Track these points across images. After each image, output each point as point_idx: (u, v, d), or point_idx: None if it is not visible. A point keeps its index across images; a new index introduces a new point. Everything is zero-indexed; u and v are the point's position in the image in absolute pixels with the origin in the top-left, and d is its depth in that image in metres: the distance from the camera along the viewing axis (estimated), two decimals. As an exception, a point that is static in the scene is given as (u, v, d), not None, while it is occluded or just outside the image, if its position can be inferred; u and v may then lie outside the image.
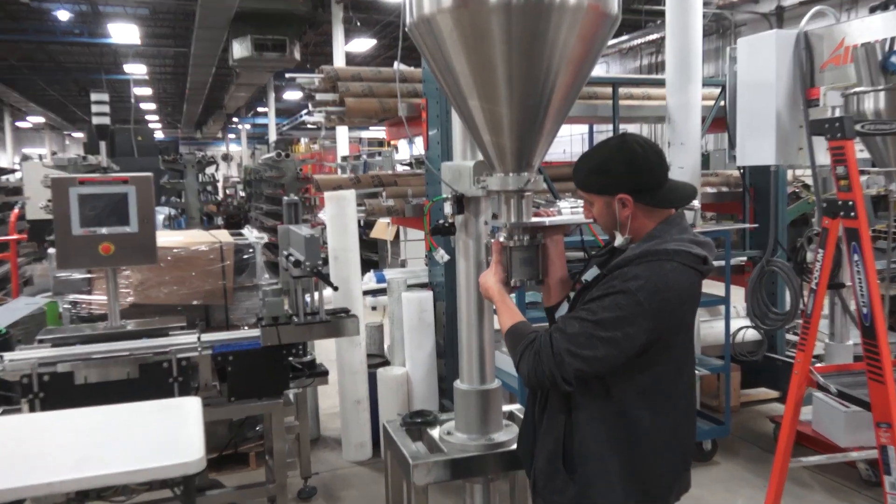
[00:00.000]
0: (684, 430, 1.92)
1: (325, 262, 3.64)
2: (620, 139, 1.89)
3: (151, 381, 3.10)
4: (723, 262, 4.41)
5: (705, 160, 11.49)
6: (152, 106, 30.41)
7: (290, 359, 3.39)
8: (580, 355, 1.78)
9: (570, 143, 24.40)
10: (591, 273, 2.01)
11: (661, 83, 4.77)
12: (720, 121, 4.82)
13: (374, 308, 5.61)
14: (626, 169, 1.85)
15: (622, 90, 5.30)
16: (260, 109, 30.86)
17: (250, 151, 31.09)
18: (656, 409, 1.85)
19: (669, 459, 1.88)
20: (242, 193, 18.94)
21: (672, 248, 1.82)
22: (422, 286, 4.89)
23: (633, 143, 1.87)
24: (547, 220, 2.17)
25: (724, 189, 5.75)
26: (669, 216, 1.90)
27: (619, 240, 1.92)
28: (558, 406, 1.92)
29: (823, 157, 3.79)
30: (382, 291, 5.05)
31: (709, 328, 5.05)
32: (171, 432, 2.24)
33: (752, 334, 5.00)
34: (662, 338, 1.81)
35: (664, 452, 1.86)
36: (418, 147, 3.85)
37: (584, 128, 23.55)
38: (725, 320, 4.45)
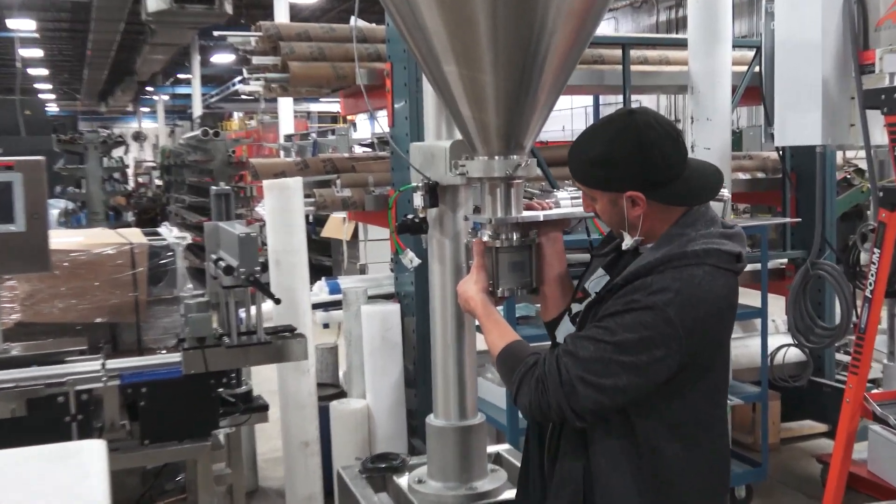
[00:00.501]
0: (722, 468, 1.95)
1: (265, 267, 3.61)
2: (627, 118, 1.89)
3: (43, 420, 3.05)
4: (758, 265, 4.46)
5: (737, 139, 11.64)
6: (44, 72, 30.06)
7: (221, 390, 3.36)
8: (597, 385, 1.79)
9: (570, 118, 24.56)
10: (598, 282, 2.02)
11: (682, 44, 4.81)
12: (754, 91, 4.88)
13: (326, 326, 5.58)
14: (636, 159, 1.85)
15: (634, 53, 5.34)
16: (181, 76, 30.67)
17: (169, 129, 30.91)
18: (691, 444, 1.87)
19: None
20: (159, 182, 18.78)
21: (700, 248, 1.84)
22: (386, 297, 4.88)
23: (642, 123, 1.87)
24: (542, 214, 2.17)
25: (760, 175, 5.83)
26: (692, 210, 1.92)
27: (627, 241, 1.94)
28: (572, 451, 1.93)
29: (880, 136, 3.84)
30: (337, 304, 5.02)
31: (741, 347, 5.11)
32: (67, 485, 2.20)
33: (794, 354, 5.06)
34: (698, 360, 1.83)
35: (702, 496, 1.89)
36: (382, 124, 3.84)
37: (588, 99, 23.57)
38: (762, 337, 4.50)
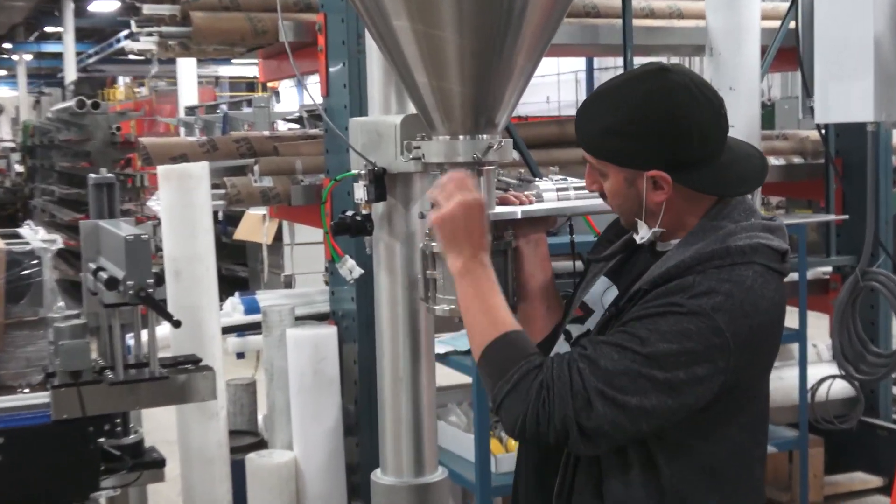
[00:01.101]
0: None
1: (161, 280, 3.58)
2: (658, 77, 1.90)
3: None
4: (795, 275, 4.53)
5: (768, 115, 11.80)
6: None
7: (102, 441, 3.33)
8: (619, 402, 1.79)
9: (556, 86, 24.76)
10: (604, 293, 2.05)
11: (697, -7, 4.87)
12: (789, 53, 4.94)
13: (240, 356, 5.55)
14: (667, 131, 1.88)
15: (637, 3, 5.40)
16: (49, 30, 30.29)
17: (33, 99, 30.47)
18: (727, 493, 1.90)
19: None
20: (20, 168, 18.53)
21: (746, 243, 1.87)
22: (319, 318, 4.86)
23: (678, 85, 1.89)
24: (520, 210, 2.19)
25: (797, 160, 5.91)
26: (724, 199, 1.96)
27: (643, 232, 1.97)
28: (586, 495, 1.94)
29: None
30: (255, 327, 4.99)
31: (775, 380, 5.11)
32: None
33: (841, 388, 5.13)
34: (743, 384, 1.87)
35: None
36: (313, 93, 3.83)
37: (580, 62, 23.83)
38: (800, 367, 4.56)
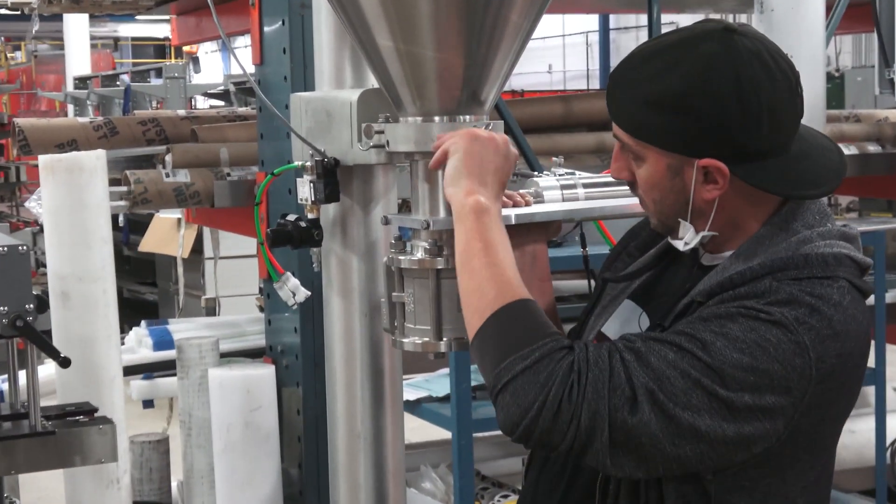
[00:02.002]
0: None
1: (44, 304, 3.57)
2: (724, 37, 1.92)
3: None
4: (871, 298, 4.54)
5: (835, 89, 11.88)
6: None
7: (-35, 516, 3.30)
8: (669, 412, 1.78)
9: (561, 52, 24.88)
10: (632, 319, 2.07)
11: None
12: (863, 10, 4.98)
13: (148, 404, 5.52)
14: (731, 109, 1.89)
15: (665, -55, 5.42)
16: None
17: None
18: None
19: None
20: None
21: (828, 251, 1.90)
22: (252, 355, 4.84)
23: (747, 52, 1.91)
24: (513, 214, 2.20)
25: (873, 148, 5.94)
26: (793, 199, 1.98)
27: (688, 236, 1.99)
28: None
29: None
30: (168, 367, 4.98)
31: (845, 433, 5.17)
32: None
33: (929, 445, 5.16)
34: (811, 431, 1.89)
35: None
36: (243, 60, 3.83)
37: (591, 22, 23.87)
38: (877, 417, 4.58)
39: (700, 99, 1.88)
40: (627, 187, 2.11)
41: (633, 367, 1.80)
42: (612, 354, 1.81)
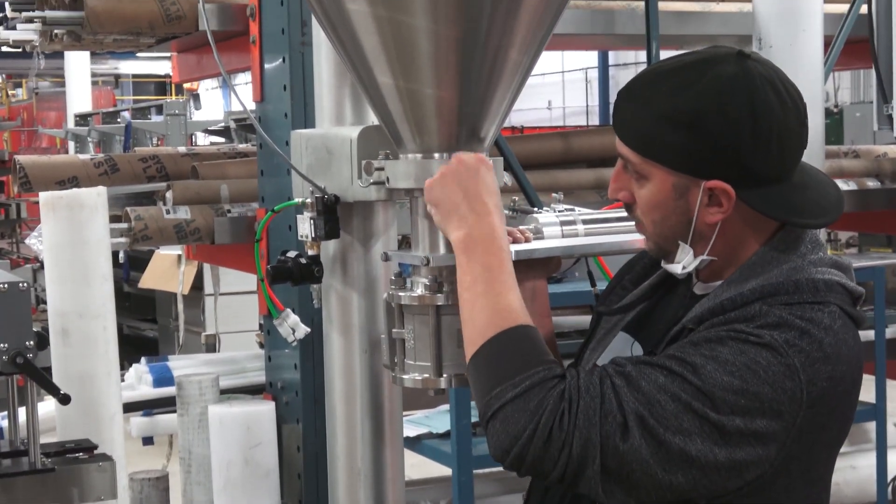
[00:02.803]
0: None
1: (44, 340, 3.56)
2: (738, 61, 1.93)
3: None
4: (871, 333, 4.53)
5: (833, 124, 11.89)
6: None
7: (-36, 554, 3.30)
8: (660, 437, 1.78)
9: (560, 88, 24.92)
10: (625, 350, 2.06)
11: (741, -32, 4.92)
12: (860, 46, 4.99)
13: (148, 441, 5.51)
14: (744, 130, 1.90)
15: (665, -18, 5.45)
16: None
17: None
18: None
19: None
20: None
21: (819, 277, 1.90)
22: (252, 392, 4.83)
23: (760, 76, 1.93)
24: (514, 250, 2.19)
25: (872, 183, 5.94)
26: (788, 228, 1.99)
27: (686, 260, 1.99)
28: None
29: None
30: (167, 403, 4.97)
31: (845, 469, 5.16)
32: None
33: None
34: (803, 459, 1.88)
35: None
36: (244, 98, 3.84)
37: (591, 58, 23.92)
38: (878, 452, 4.56)
39: (715, 119, 1.89)
40: (627, 223, 2.11)
41: (624, 393, 1.80)
42: (604, 380, 1.81)
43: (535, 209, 2.39)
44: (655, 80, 1.98)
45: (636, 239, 2.12)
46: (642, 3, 4.88)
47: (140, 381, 5.24)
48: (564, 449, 1.78)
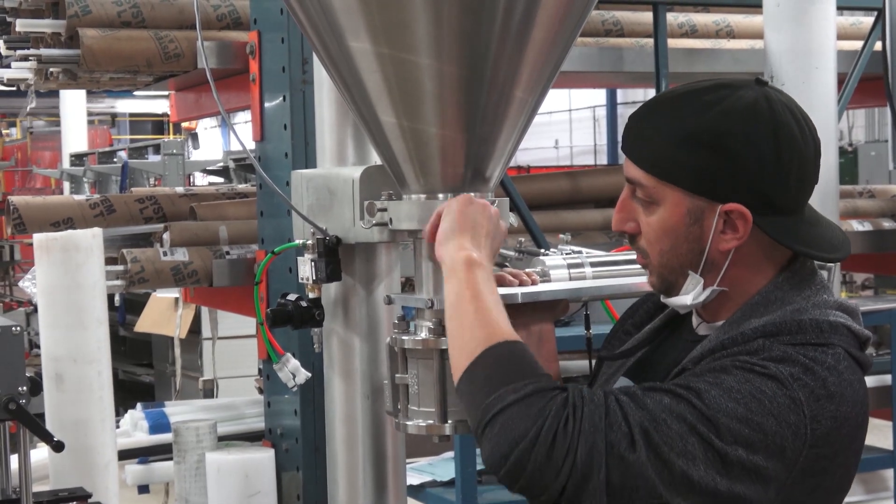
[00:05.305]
0: None
1: (37, 386, 3.56)
2: (758, 87, 1.95)
3: None
4: (887, 378, 4.51)
5: (848, 163, 11.91)
6: None
7: None
8: (664, 456, 1.76)
9: (568, 127, 25.00)
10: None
11: (754, 5, 4.94)
12: (874, 83, 5.00)
13: (144, 489, 5.50)
14: (766, 155, 1.90)
15: (673, 18, 5.46)
16: None
17: None
18: None
19: None
20: None
21: (823, 318, 1.90)
22: (251, 439, 4.82)
23: (780, 104, 1.95)
24: (520, 293, 2.20)
25: (888, 224, 5.94)
26: (797, 265, 1.99)
27: (695, 291, 1.98)
28: None
29: None
30: (164, 451, 4.96)
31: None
32: None
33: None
34: (805, 499, 1.87)
35: None
36: (244, 137, 3.86)
37: (599, 96, 24.00)
38: (895, 500, 4.54)
39: (738, 140, 1.89)
40: (635, 265, 2.11)
41: (629, 407, 1.78)
42: (608, 396, 1.80)
43: (542, 251, 2.39)
44: (673, 102, 1.98)
45: (644, 282, 2.12)
46: (651, 41, 4.90)
47: (136, 427, 5.23)
48: (569, 456, 1.75)
